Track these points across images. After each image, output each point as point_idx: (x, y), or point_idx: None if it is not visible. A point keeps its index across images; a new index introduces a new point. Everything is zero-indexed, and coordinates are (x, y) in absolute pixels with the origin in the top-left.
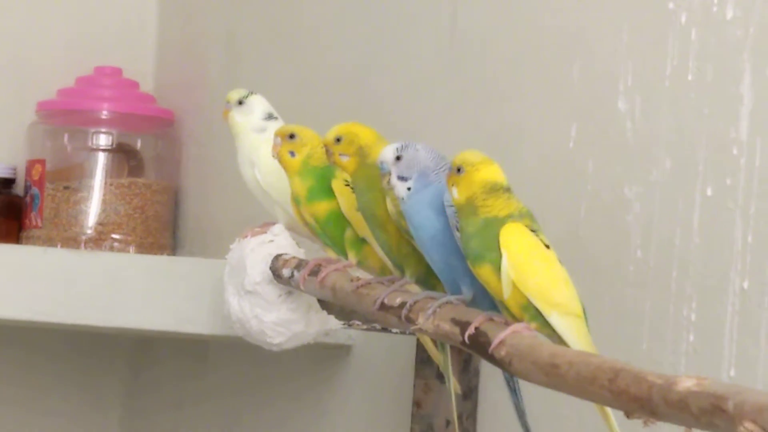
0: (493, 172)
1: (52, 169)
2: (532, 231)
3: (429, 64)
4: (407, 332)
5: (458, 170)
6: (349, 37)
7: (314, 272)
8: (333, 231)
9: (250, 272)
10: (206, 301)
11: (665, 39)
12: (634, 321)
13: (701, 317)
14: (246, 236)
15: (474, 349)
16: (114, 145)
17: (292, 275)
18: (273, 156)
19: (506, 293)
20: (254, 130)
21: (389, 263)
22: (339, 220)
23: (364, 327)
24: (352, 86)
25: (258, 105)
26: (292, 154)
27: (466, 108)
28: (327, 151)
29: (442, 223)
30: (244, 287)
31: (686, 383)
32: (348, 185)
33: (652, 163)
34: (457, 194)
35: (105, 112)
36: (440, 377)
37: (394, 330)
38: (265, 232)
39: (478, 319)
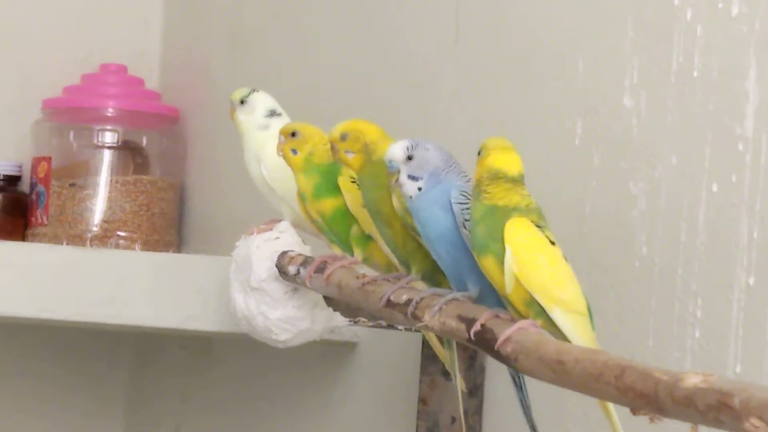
0: (502, 160)
1: (57, 167)
2: (538, 227)
3: (434, 60)
4: (413, 329)
5: (479, 153)
6: (354, 34)
7: (320, 269)
8: (339, 228)
9: (256, 269)
10: (212, 298)
11: (671, 35)
12: (640, 317)
13: (707, 314)
14: (252, 233)
15: (480, 346)
16: (119, 143)
17: (298, 272)
18: (278, 154)
19: (509, 287)
20: (258, 128)
21: (395, 260)
22: (345, 216)
23: (370, 324)
24: (357, 83)
25: (260, 102)
26: (294, 151)
27: (471, 104)
28: (332, 148)
29: (449, 220)
30: (249, 284)
31: (693, 380)
32: (354, 182)
33: (658, 160)
34: (475, 177)
35: (110, 110)
36: (446, 374)
37: (400, 327)
38: (271, 229)
39: (484, 315)
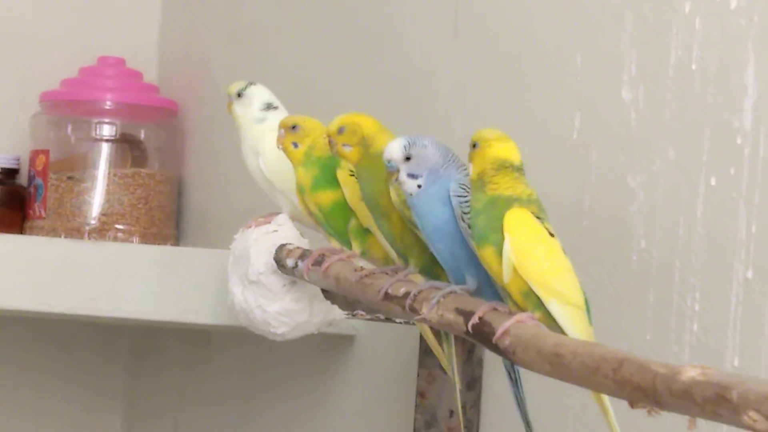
0: (505, 150)
1: (55, 160)
2: (538, 218)
3: (432, 55)
4: (411, 322)
5: (474, 146)
6: (353, 28)
7: (318, 262)
8: (337, 221)
9: (254, 262)
10: (210, 291)
11: (669, 28)
12: (638, 311)
13: (705, 307)
14: (250, 226)
15: (478, 339)
16: (117, 136)
17: (296, 265)
18: (278, 147)
19: (506, 277)
20: (255, 121)
21: (393, 253)
22: (343, 209)
23: (368, 317)
24: (356, 78)
25: (256, 95)
26: (295, 145)
27: (469, 98)
28: (330, 141)
29: (447, 214)
30: (248, 277)
31: (690, 373)
32: (353, 175)
33: (656, 153)
34: (472, 170)
35: (108, 103)
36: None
37: (397, 320)
38: (269, 222)
39: (482, 308)
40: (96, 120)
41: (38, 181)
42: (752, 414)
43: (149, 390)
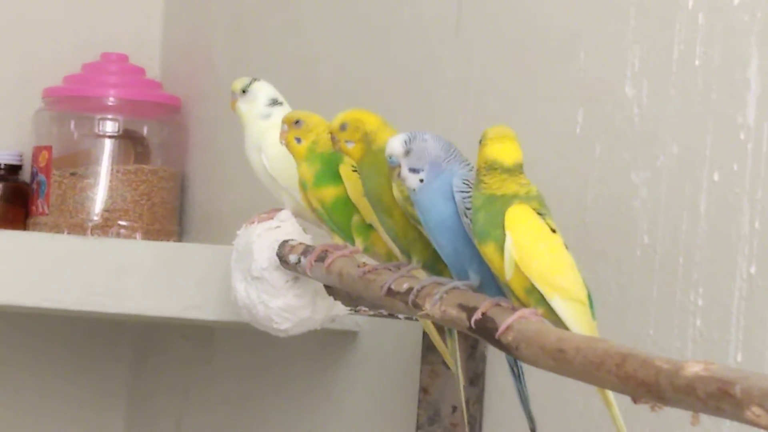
0: (497, 150)
1: (58, 156)
2: (540, 214)
3: (435, 50)
4: (414, 318)
5: (480, 141)
6: (356, 24)
7: (321, 258)
8: (340, 216)
9: (257, 258)
10: (213, 287)
11: (672, 23)
12: (641, 306)
13: (708, 303)
14: (253, 222)
15: (481, 335)
16: (120, 132)
17: (299, 261)
18: (281, 143)
19: (509, 274)
20: (259, 117)
21: (396, 249)
22: (346, 205)
23: (371, 313)
24: (359, 73)
25: (261, 91)
26: (298, 140)
27: (473, 94)
28: (332, 138)
29: (450, 209)
30: (250, 273)
31: (694, 368)
32: (356, 171)
33: (659, 149)
34: (475, 165)
35: (111, 99)
36: (447, 363)
37: (400, 316)
38: (272, 218)
39: (485, 304)
40: (99, 116)
41: (41, 177)
42: (755, 409)
43: (152, 387)
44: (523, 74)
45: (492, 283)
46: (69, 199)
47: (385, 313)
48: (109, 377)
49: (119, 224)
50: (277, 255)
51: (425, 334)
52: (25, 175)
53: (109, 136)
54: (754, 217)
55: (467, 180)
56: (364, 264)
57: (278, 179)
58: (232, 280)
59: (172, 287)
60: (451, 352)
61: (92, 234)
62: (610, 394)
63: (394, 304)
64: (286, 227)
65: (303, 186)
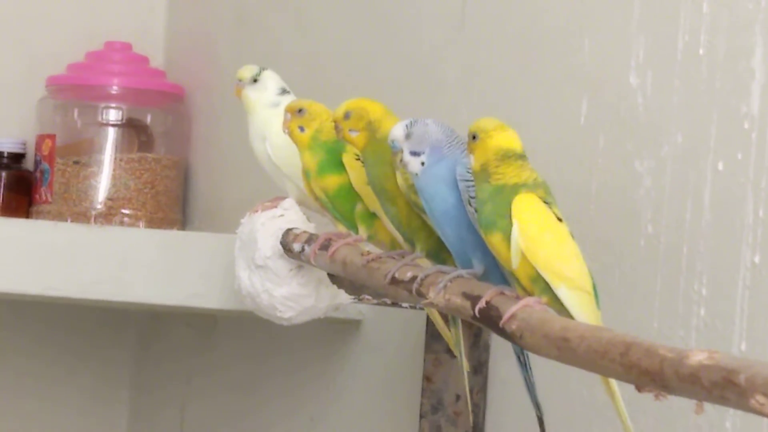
0: (507, 139)
1: (62, 144)
2: (546, 203)
3: (439, 42)
4: (417, 307)
5: (473, 137)
6: (360, 16)
7: (325, 246)
8: (343, 205)
9: (261, 247)
10: (216, 275)
11: (677, 13)
12: (645, 296)
13: (712, 292)
14: (256, 211)
15: (485, 323)
16: (124, 120)
17: (303, 249)
18: (283, 131)
19: (515, 263)
20: (269, 106)
21: (400, 237)
22: (349, 194)
23: (375, 302)
24: (363, 65)
25: (271, 80)
26: (302, 129)
27: (477, 85)
28: (336, 126)
29: (454, 197)
30: (254, 262)
31: (698, 357)
32: (359, 159)
33: (664, 138)
34: (473, 162)
35: (115, 87)
36: (451, 352)
37: (404, 305)
38: (276, 207)
39: (489, 293)
40: (102, 105)
41: (44, 165)
42: (759, 398)
43: (156, 375)
44: (527, 65)
45: (496, 272)
46: (72, 188)
47: (388, 301)
48: (113, 365)
49: (122, 213)
50: (281, 243)
51: (429, 323)
52: (29, 164)
53: (113, 125)
54: (758, 206)
55: (471, 169)
56: (368, 252)
57: (282, 168)
58: (235, 269)
59: (176, 276)
60: (455, 341)
61: (95, 222)
62: (614, 384)
63: (397, 292)
64: (290, 216)
65: (306, 175)
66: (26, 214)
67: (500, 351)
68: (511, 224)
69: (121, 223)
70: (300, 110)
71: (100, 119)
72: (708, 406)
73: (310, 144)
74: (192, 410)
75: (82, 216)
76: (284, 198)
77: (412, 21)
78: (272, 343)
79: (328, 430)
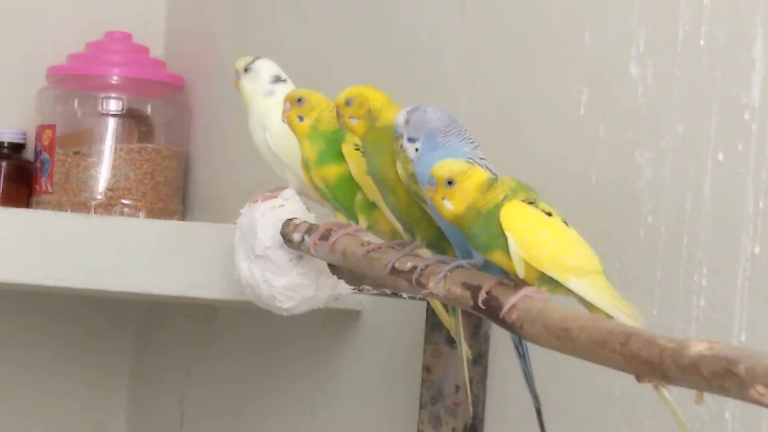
0: (479, 173)
1: (62, 134)
2: (531, 203)
3: (440, 30)
4: (417, 297)
5: (449, 183)
6: (360, 4)
7: (325, 237)
8: (343, 195)
9: (261, 237)
10: (216, 265)
11: (677, 3)
12: (645, 286)
13: (712, 283)
14: (256, 201)
15: (485, 314)
16: (124, 111)
17: (303, 240)
18: (283, 121)
19: (520, 272)
20: (263, 94)
21: (400, 227)
22: (349, 184)
23: (375, 292)
24: (364, 54)
25: (264, 69)
26: (301, 118)
27: (477, 74)
28: (337, 113)
29: None
30: (254, 252)
31: (698, 347)
32: (358, 149)
33: (664, 129)
34: (452, 206)
35: (115, 78)
36: (450, 342)
37: (404, 295)
38: (276, 197)
39: (488, 283)
40: (103, 95)
41: (45, 155)
42: (759, 388)
43: (155, 366)
44: (528, 54)
45: None
46: (72, 178)
47: (388, 292)
48: (112, 355)
49: (122, 203)
50: (281, 233)
51: (429, 314)
52: (29, 154)
53: (113, 115)
54: (758, 197)
55: (472, 159)
56: (368, 242)
57: (282, 157)
58: (235, 259)
59: (176, 266)
60: (456, 331)
61: (95, 213)
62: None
63: (398, 282)
64: (290, 206)
65: (306, 164)
66: (26, 204)
67: (500, 342)
68: (506, 239)
69: (121, 214)
70: (299, 100)
71: (100, 109)
72: (708, 396)
73: (309, 134)
74: (192, 400)
75: (82, 206)
76: (284, 188)
77: (413, 9)
78: (272, 334)
79: (327, 420)
